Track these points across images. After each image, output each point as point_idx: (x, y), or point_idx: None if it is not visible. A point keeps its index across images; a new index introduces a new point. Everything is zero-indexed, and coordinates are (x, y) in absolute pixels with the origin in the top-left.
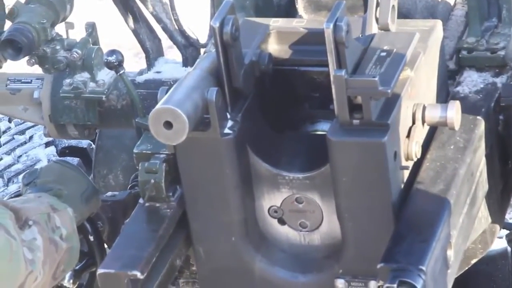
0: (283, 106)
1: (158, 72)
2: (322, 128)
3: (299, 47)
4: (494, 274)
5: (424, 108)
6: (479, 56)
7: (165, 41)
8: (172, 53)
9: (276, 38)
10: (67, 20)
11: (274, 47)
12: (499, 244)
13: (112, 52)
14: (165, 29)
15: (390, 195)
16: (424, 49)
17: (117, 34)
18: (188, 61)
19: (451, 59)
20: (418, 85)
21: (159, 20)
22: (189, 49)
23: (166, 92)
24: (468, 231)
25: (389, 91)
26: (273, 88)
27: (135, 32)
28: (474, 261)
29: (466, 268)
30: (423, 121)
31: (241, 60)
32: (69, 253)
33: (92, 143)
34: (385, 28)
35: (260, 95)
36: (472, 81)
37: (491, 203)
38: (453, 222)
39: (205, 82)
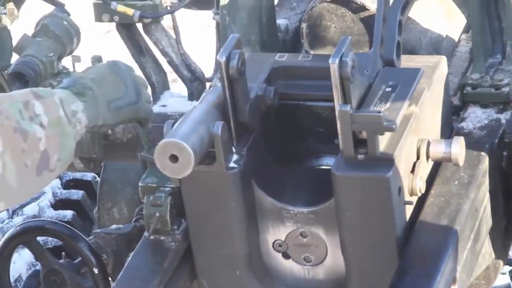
0: (288, 141)
1: (163, 106)
2: (327, 162)
3: (304, 82)
4: None
5: (428, 143)
6: (483, 92)
7: (171, 75)
8: (177, 86)
9: (281, 73)
10: (73, 54)
11: (280, 81)
12: (502, 280)
13: None
14: (171, 63)
15: (394, 230)
16: (428, 85)
17: None
18: (193, 95)
19: (456, 95)
20: (423, 121)
21: (165, 54)
22: (195, 83)
23: (172, 126)
24: (471, 266)
25: (394, 126)
26: (279, 122)
27: (141, 66)
28: None
29: None
30: (427, 157)
31: (247, 95)
32: (58, 140)
33: (97, 176)
34: (390, 64)
35: (265, 129)
36: (476, 117)
37: (494, 239)
38: (457, 257)
39: (211, 116)
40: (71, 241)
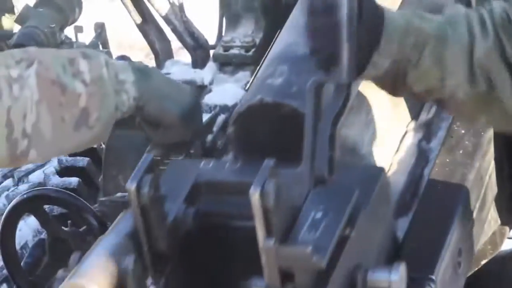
0: (214, 266)
1: (167, 74)
2: None
3: (231, 199)
4: (503, 274)
5: (365, 271)
6: None
7: (175, 43)
8: (180, 55)
9: (204, 189)
10: (76, 23)
11: (203, 199)
12: (509, 244)
13: (122, 58)
14: (174, 30)
15: None
16: (365, 204)
17: (129, 35)
18: (197, 63)
19: None
20: (359, 245)
21: (168, 22)
22: (198, 51)
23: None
24: (477, 235)
25: (323, 263)
26: (202, 246)
27: (145, 33)
28: (484, 262)
29: (476, 269)
30: (364, 286)
31: (164, 221)
32: (99, 98)
33: (102, 143)
34: (322, 182)
35: (187, 255)
36: None
37: (500, 205)
38: (463, 228)
39: (122, 249)
40: (77, 210)
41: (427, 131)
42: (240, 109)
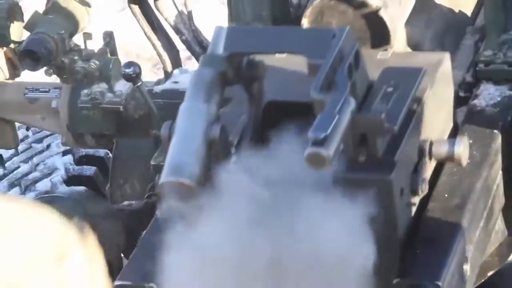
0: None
1: (175, 82)
2: None
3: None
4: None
5: (431, 143)
6: (496, 69)
7: (183, 52)
8: (188, 64)
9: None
10: (85, 31)
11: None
12: None
13: (130, 64)
14: (183, 39)
15: (397, 233)
16: (431, 83)
17: (136, 45)
18: None
19: (460, 88)
20: (425, 120)
21: (177, 31)
22: None
23: (170, 127)
24: (484, 245)
25: (395, 128)
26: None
27: (153, 43)
28: (490, 273)
29: (482, 280)
30: (430, 157)
31: None
32: None
33: (109, 152)
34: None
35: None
36: (489, 94)
37: (508, 217)
38: (470, 236)
39: (203, 121)
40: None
41: (482, 33)
42: (312, 1)
